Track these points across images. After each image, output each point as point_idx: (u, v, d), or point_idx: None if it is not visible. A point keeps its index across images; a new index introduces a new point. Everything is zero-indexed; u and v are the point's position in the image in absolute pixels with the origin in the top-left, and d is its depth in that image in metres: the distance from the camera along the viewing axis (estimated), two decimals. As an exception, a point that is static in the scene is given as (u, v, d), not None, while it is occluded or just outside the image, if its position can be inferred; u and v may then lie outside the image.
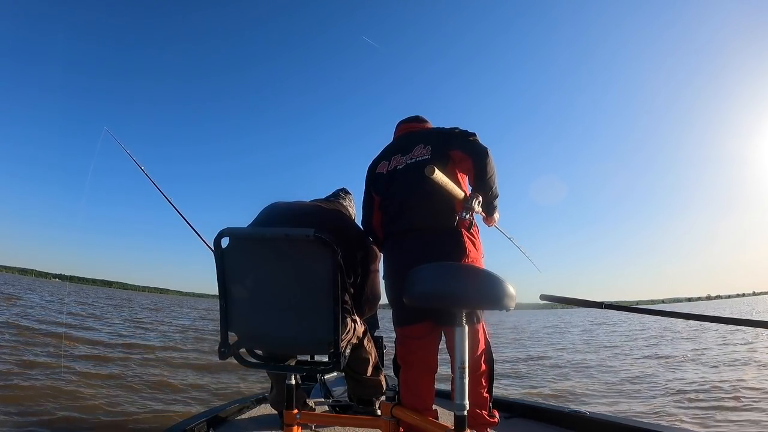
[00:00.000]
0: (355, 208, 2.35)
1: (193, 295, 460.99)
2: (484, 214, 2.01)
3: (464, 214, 1.77)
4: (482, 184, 1.92)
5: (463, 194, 1.75)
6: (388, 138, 2.33)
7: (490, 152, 1.92)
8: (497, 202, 2.01)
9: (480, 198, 1.83)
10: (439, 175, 1.55)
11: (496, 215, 2.08)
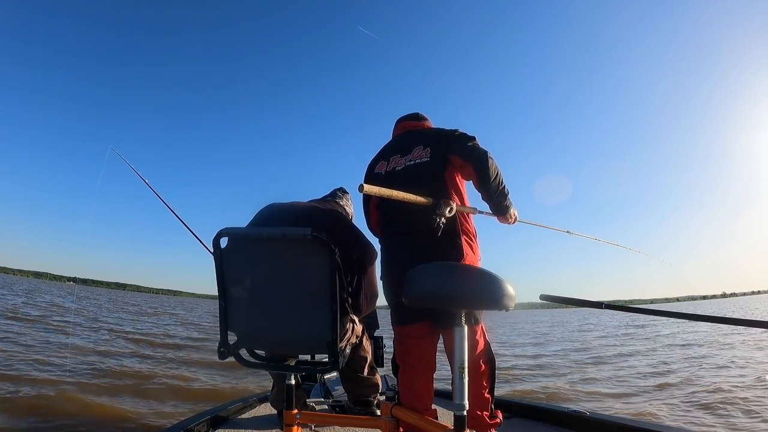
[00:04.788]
0: (353, 207, 2.34)
1: (207, 297, 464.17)
2: (495, 215, 2.04)
3: (436, 218, 1.77)
4: (487, 188, 1.93)
5: (428, 199, 1.75)
6: (385, 132, 2.33)
7: (490, 155, 1.91)
8: (508, 200, 2.01)
9: (453, 205, 1.81)
10: (372, 189, 1.58)
11: (513, 211, 2.06)
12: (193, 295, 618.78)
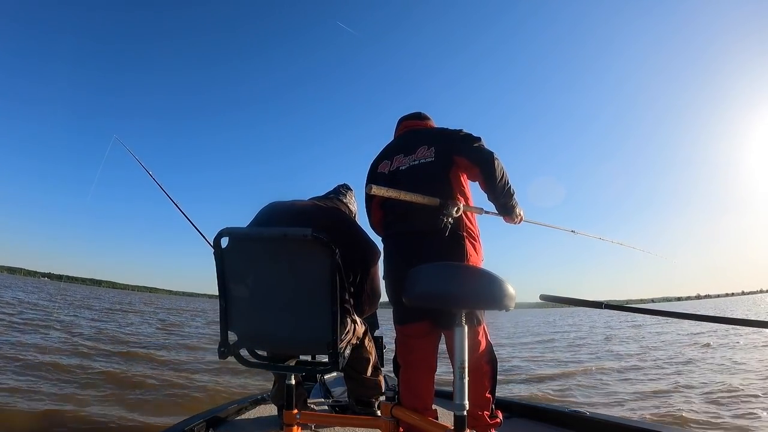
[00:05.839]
0: (356, 204, 2.32)
1: (183, 294, 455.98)
2: (501, 215, 2.05)
3: (443, 219, 1.79)
4: (493, 190, 1.94)
5: (435, 199, 1.79)
6: (386, 130, 2.33)
7: (496, 155, 1.91)
8: (514, 200, 2.01)
9: (460, 206, 1.83)
10: (380, 190, 1.64)
11: (519, 211, 2.07)
12: (170, 292, 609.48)
